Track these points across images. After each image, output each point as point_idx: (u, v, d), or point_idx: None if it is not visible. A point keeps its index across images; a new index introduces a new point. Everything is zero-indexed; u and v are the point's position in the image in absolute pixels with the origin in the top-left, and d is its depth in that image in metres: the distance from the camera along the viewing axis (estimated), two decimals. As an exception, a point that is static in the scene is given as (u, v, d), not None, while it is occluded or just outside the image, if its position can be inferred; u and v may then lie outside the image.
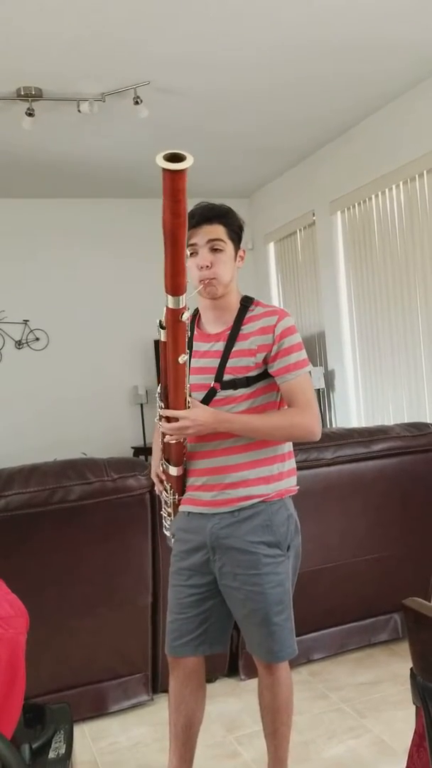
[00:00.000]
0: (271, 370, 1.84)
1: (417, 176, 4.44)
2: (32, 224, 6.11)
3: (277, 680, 1.89)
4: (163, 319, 1.61)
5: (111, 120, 4.39)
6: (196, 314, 1.99)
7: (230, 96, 4.26)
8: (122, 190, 6.01)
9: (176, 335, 1.63)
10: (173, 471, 1.88)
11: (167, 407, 1.76)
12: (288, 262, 6.34)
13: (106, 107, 4.16)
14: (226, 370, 1.85)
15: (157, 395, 1.80)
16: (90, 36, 3.40)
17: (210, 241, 1.84)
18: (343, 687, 2.69)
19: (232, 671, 2.79)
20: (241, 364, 1.84)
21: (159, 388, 1.78)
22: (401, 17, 3.43)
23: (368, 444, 2.79)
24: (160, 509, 2.07)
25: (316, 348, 5.87)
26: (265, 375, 1.85)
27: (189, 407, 1.75)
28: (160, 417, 1.78)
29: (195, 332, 1.95)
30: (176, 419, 1.74)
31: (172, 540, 1.98)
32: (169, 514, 1.98)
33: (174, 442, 1.80)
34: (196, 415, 1.74)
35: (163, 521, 2.03)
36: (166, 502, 1.97)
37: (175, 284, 1.54)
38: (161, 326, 1.63)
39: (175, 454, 1.85)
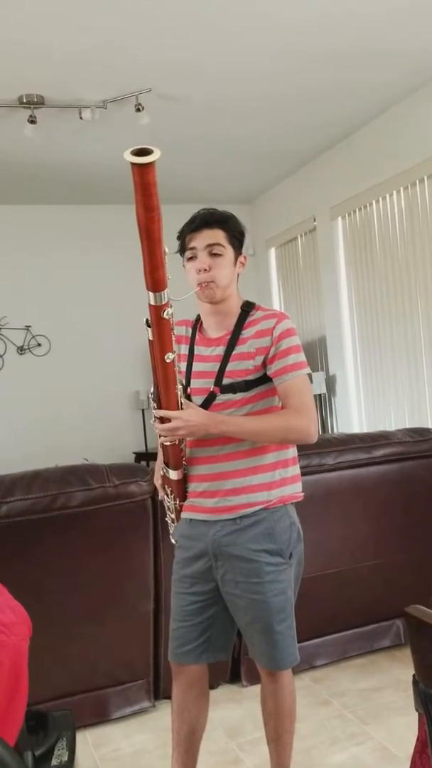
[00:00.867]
0: (269, 372, 1.84)
1: (417, 182, 4.45)
2: (34, 230, 6.13)
3: (280, 687, 1.89)
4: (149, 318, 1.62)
5: (112, 127, 4.41)
6: (198, 320, 2.00)
7: (231, 103, 4.28)
8: (124, 197, 5.99)
9: (161, 333, 1.63)
10: (173, 475, 1.88)
11: (160, 408, 1.76)
12: (289, 267, 6.35)
13: (108, 114, 4.18)
14: (225, 374, 1.85)
15: (150, 395, 1.80)
16: (92, 43, 3.42)
17: (209, 245, 1.85)
18: (345, 693, 2.69)
19: (235, 678, 2.78)
20: (240, 367, 1.84)
21: (152, 388, 1.79)
22: (400, 26, 3.45)
23: (370, 449, 2.79)
24: (163, 515, 2.07)
25: (317, 353, 5.87)
26: (264, 379, 1.85)
27: (182, 408, 1.75)
28: (155, 418, 1.79)
29: (197, 337, 1.96)
30: (169, 420, 1.74)
31: (177, 546, 1.98)
32: (172, 521, 1.98)
33: (168, 443, 1.80)
34: (188, 416, 1.74)
35: (169, 528, 2.03)
36: (168, 508, 1.98)
37: (154, 279, 1.55)
38: (148, 324, 1.63)
39: (173, 456, 1.85)
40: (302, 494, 1.93)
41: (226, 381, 1.85)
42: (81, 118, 4.13)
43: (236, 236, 1.90)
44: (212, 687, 2.64)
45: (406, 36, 3.57)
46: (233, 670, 2.76)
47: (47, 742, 1.32)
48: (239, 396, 1.84)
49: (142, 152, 1.38)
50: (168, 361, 1.66)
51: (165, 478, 1.93)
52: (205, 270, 1.85)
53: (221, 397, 1.85)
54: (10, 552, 2.27)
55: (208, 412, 1.81)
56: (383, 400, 5.08)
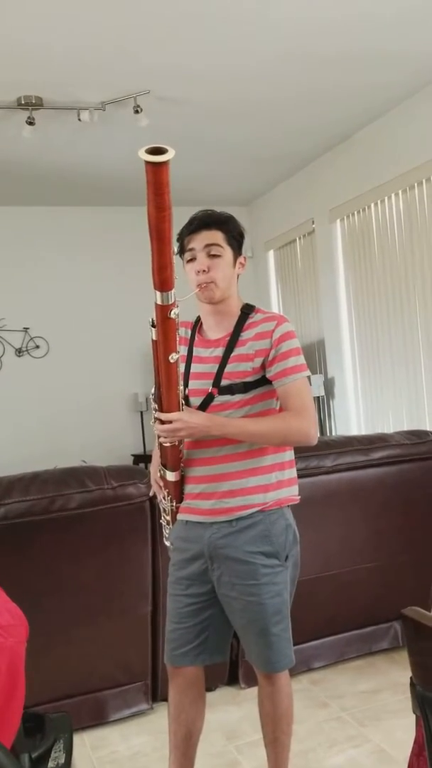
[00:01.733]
0: (268, 375, 1.84)
1: (416, 184, 4.46)
2: (33, 232, 6.13)
3: (277, 689, 1.89)
4: (154, 318, 1.62)
5: (111, 129, 4.42)
6: (198, 321, 2.00)
7: (230, 105, 4.29)
8: (123, 198, 6.03)
9: (166, 333, 1.63)
10: (170, 476, 1.88)
11: (161, 408, 1.76)
12: (288, 269, 6.36)
13: (107, 116, 4.18)
14: (224, 376, 1.85)
15: (151, 396, 1.80)
16: (90, 45, 3.43)
17: (207, 246, 1.86)
18: (343, 695, 2.68)
19: (232, 680, 2.78)
20: (239, 369, 1.84)
21: (153, 389, 1.79)
22: (399, 29, 3.46)
23: (368, 452, 2.79)
24: (161, 517, 2.06)
25: (315, 355, 5.87)
26: (263, 381, 1.85)
27: (182, 410, 1.75)
28: (155, 419, 1.79)
29: (196, 338, 1.96)
30: (169, 421, 1.74)
31: (172, 548, 1.98)
32: (168, 522, 1.98)
33: (168, 444, 1.80)
34: (189, 417, 1.75)
35: (163, 530, 2.03)
36: (164, 510, 1.97)
37: (162, 279, 1.55)
38: (152, 324, 1.64)
39: (171, 458, 1.85)
40: (299, 497, 1.93)
41: (224, 382, 1.85)
42: (79, 119, 4.13)
43: (235, 237, 1.91)
44: (210, 689, 2.65)
45: (405, 39, 3.58)
46: (231, 672, 2.76)
47: (44, 745, 1.32)
48: (237, 398, 1.84)
49: (157, 151, 1.38)
50: (172, 361, 1.67)
51: (162, 479, 1.93)
52: (204, 271, 1.85)
53: (219, 399, 1.85)
54: (8, 553, 2.27)
55: (208, 414, 1.81)
56: (381, 403, 5.08)
